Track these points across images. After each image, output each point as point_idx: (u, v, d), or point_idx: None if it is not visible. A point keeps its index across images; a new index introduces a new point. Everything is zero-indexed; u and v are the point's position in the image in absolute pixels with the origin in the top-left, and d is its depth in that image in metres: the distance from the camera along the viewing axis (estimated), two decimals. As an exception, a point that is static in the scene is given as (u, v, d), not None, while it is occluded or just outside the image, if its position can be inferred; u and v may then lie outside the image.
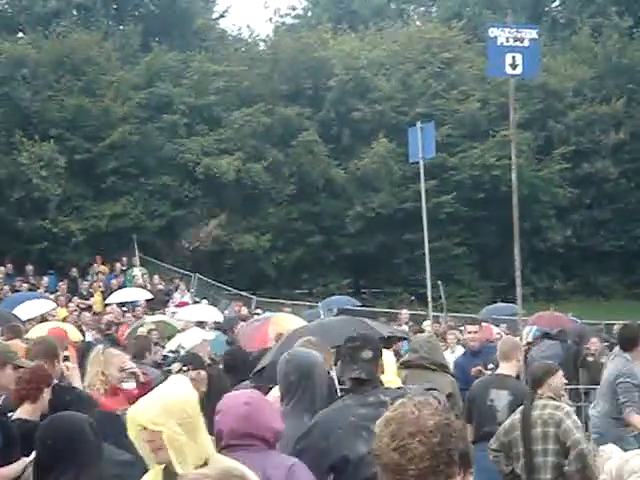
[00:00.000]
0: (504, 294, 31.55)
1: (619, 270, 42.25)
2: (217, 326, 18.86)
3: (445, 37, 42.90)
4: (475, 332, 12.03)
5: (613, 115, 42.90)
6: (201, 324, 17.57)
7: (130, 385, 7.34)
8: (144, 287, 26.99)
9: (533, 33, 12.78)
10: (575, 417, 7.54)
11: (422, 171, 16.78)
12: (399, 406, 3.20)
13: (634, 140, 43.20)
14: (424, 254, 16.70)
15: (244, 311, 25.26)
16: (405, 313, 22.09)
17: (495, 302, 29.48)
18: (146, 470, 4.40)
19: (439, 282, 18.11)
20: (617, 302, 39.20)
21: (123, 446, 4.90)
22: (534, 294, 36.03)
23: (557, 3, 55.83)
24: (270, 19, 49.62)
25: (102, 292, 26.67)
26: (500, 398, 8.08)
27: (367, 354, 5.07)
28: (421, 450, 3.05)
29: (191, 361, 7.64)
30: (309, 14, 54.72)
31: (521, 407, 7.33)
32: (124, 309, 22.44)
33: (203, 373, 7.50)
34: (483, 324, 14.62)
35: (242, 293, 32.23)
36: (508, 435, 7.13)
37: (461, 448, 3.18)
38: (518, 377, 9.02)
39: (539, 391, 7.59)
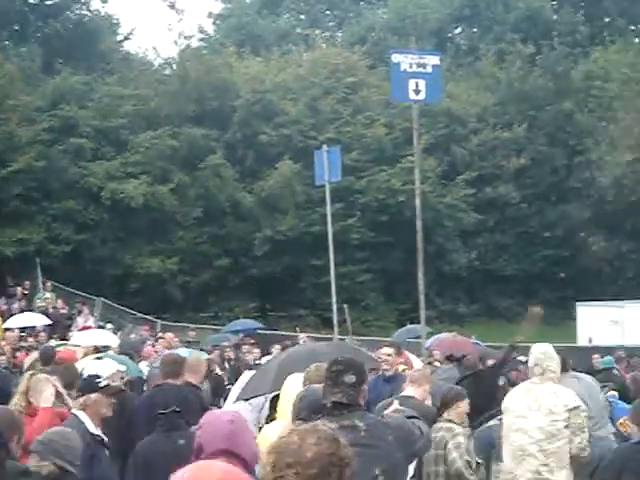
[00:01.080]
0: (409, 317, 31.83)
1: (521, 293, 42.90)
2: (122, 351, 18.58)
3: (349, 62, 43.29)
4: (389, 355, 10.82)
5: (515, 140, 43.74)
6: (106, 348, 17.28)
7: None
8: (47, 311, 26.53)
9: (435, 59, 12.98)
10: (461, 439, 7.71)
11: (328, 194, 16.87)
12: (286, 435, 3.12)
13: (535, 165, 44.09)
14: (330, 278, 16.77)
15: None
16: (303, 337, 22.07)
17: (404, 325, 29.68)
18: None
19: (344, 305, 18.17)
20: (519, 325, 39.71)
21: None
22: (439, 317, 36.42)
23: (460, 30, 56.80)
24: (175, 42, 49.27)
25: (1, 316, 26.12)
26: None
27: (350, 378, 5.02)
28: None
29: (87, 387, 7.58)
30: (214, 37, 54.72)
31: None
32: (23, 334, 22.01)
33: (99, 396, 7.41)
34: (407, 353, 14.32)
35: (147, 317, 31.91)
36: None
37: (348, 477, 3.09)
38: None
39: (444, 414, 7.69)
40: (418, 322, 15.41)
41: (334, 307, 16.47)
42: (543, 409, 7.98)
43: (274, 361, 9.36)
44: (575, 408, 7.97)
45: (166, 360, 9.13)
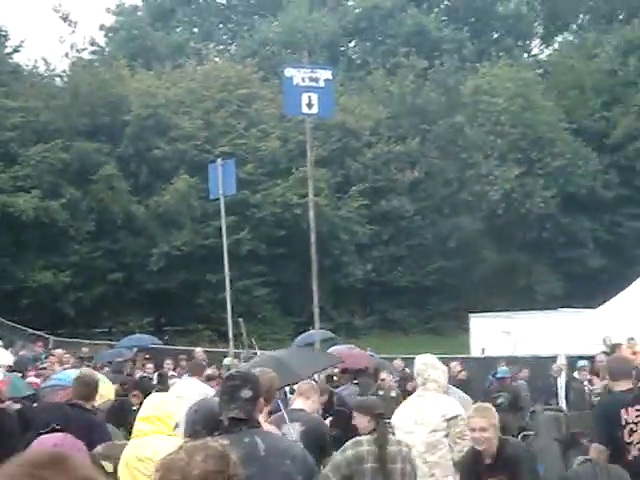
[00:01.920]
0: (305, 330, 31.86)
1: (415, 305, 43.41)
2: (11, 368, 18.21)
3: (242, 75, 43.27)
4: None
5: (408, 154, 44.27)
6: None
7: None
8: None
9: (327, 74, 13.07)
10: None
11: (223, 208, 16.81)
12: (175, 451, 3.07)
13: (429, 178, 44.70)
14: (225, 292, 16.73)
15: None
16: (199, 351, 21.93)
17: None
18: None
19: (240, 319, 18.11)
20: (414, 336, 40.24)
21: None
22: (334, 330, 36.49)
23: (353, 44, 57.30)
24: (67, 54, 48.41)
25: None
26: (293, 430, 8.14)
27: (246, 393, 4.96)
28: None
29: None
30: (106, 50, 54.09)
31: (362, 438, 7.22)
32: None
33: None
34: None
35: (39, 333, 31.32)
36: (351, 467, 6.96)
37: None
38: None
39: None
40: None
41: (229, 321, 16.42)
42: (426, 422, 8.06)
43: None
44: (454, 417, 8.08)
45: (80, 380, 8.91)
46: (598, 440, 8.02)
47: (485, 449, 6.84)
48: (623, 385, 7.97)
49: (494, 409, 7.26)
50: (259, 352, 15.93)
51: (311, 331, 22.84)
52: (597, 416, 8.20)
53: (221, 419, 4.97)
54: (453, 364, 19.79)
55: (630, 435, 7.67)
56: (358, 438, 6.98)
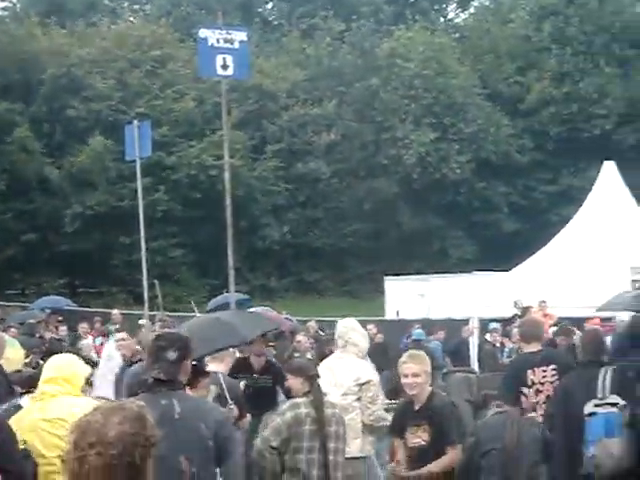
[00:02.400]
0: (220, 292, 31.79)
1: (331, 268, 43.62)
2: None
3: (156, 35, 42.69)
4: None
5: (325, 116, 44.26)
6: None
7: None
8: None
9: (243, 35, 12.98)
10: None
11: (139, 169, 16.64)
12: (91, 412, 3.01)
13: (345, 141, 44.81)
14: (141, 254, 16.59)
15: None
16: (116, 313, 21.79)
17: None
18: None
19: (155, 281, 18.00)
20: (330, 299, 40.48)
21: None
22: (250, 292, 36.51)
23: (270, 6, 56.91)
24: (-23, 11, 47.30)
25: None
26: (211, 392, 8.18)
27: (172, 355, 4.95)
28: (98, 462, 2.88)
29: None
30: (17, 6, 52.84)
31: (299, 400, 7.15)
32: None
33: None
34: None
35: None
36: (290, 429, 6.89)
37: None
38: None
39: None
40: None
41: (145, 283, 16.30)
42: (339, 385, 8.15)
43: None
44: (366, 382, 8.19)
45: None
46: (505, 400, 8.27)
47: (416, 395, 7.02)
48: (533, 347, 8.18)
49: (427, 356, 7.51)
50: (197, 314, 15.87)
51: (225, 294, 22.84)
52: (505, 376, 8.43)
53: (145, 378, 4.96)
54: (369, 327, 19.97)
55: (536, 395, 7.88)
56: (295, 400, 6.95)
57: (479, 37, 51.72)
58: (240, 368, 10.36)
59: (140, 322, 17.30)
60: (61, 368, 5.79)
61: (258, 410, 9.50)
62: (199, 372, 6.63)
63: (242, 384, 9.38)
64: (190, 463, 4.75)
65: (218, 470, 4.91)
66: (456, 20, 61.77)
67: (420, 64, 45.62)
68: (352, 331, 8.56)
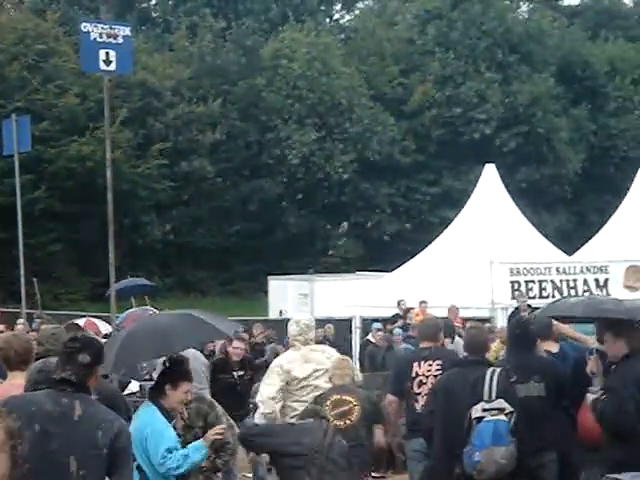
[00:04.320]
0: (102, 291, 31.37)
1: (215, 267, 43.41)
2: None
3: (40, 29, 41.75)
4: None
5: (210, 115, 44.01)
6: None
7: None
8: None
9: (126, 30, 12.82)
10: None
11: (17, 165, 16.32)
12: None
13: (230, 140, 44.63)
14: (18, 250, 16.25)
15: None
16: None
17: (96, 298, 29.21)
18: None
19: (34, 279, 17.67)
20: (213, 298, 40.28)
21: None
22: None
23: (153, 1, 56.29)
24: None
25: None
26: None
27: (85, 358, 4.90)
28: None
29: None
30: None
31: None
32: None
33: None
34: None
35: None
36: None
37: None
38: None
39: None
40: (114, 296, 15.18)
41: (22, 280, 15.97)
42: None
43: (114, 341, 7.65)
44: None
45: None
46: (391, 390, 8.59)
47: None
48: (425, 344, 8.52)
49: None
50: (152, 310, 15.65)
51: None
52: (393, 368, 8.73)
53: (54, 377, 4.90)
54: (254, 327, 19.95)
55: (419, 386, 8.20)
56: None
57: (364, 38, 52.15)
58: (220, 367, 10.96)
59: (18, 322, 16.93)
60: None
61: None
62: (182, 375, 6.63)
63: None
64: (79, 466, 4.72)
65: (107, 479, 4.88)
66: (341, 21, 62.20)
67: (305, 64, 45.76)
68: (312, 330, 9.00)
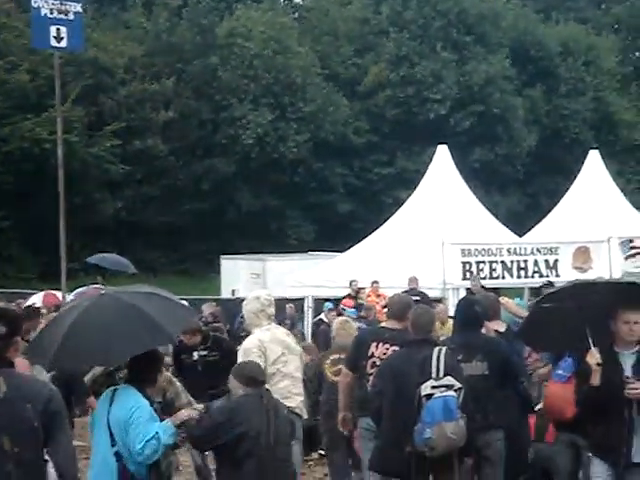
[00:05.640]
0: (53, 270, 31.12)
1: (167, 246, 43.21)
2: None
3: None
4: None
5: (163, 93, 43.74)
6: None
7: None
8: None
9: (78, 7, 12.68)
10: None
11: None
12: None
13: (183, 119, 44.41)
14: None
15: None
16: None
17: (47, 277, 29.00)
18: None
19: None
20: (165, 277, 40.06)
21: None
22: (84, 269, 35.84)
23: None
24: None
25: None
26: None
27: (0, 329, 4.75)
28: None
29: None
30: None
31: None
32: None
33: None
34: None
35: None
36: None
37: None
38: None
39: None
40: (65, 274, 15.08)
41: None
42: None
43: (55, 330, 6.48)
44: None
45: None
46: (346, 364, 8.63)
47: None
48: (390, 324, 8.43)
49: None
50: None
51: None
52: (352, 343, 8.69)
53: None
54: (204, 307, 19.93)
55: (372, 367, 8.10)
56: None
57: (318, 18, 52.04)
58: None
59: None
60: None
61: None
62: (155, 368, 6.43)
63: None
64: (13, 443, 4.61)
65: (46, 450, 4.77)
66: (296, 0, 61.94)
67: (260, 44, 45.59)
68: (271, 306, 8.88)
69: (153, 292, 6.61)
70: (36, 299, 20.16)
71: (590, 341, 6.41)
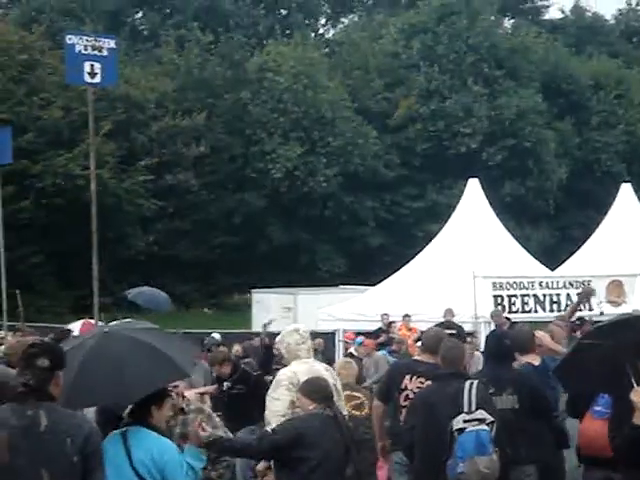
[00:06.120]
0: (85, 304, 31.24)
1: (199, 280, 43.31)
2: None
3: (24, 41, 41.68)
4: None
5: (194, 128, 43.99)
6: None
7: None
8: None
9: (112, 43, 12.81)
10: None
11: (-1, 177, 16.28)
12: None
13: (214, 153, 44.64)
14: (0, 263, 16.18)
15: None
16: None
17: (79, 311, 29.05)
18: None
19: (17, 291, 17.60)
20: (196, 311, 40.20)
21: None
22: (116, 304, 35.98)
23: (140, 15, 56.39)
24: None
25: None
26: None
27: (43, 362, 4.84)
28: None
29: None
30: None
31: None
32: None
33: None
34: None
35: None
36: None
37: None
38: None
39: None
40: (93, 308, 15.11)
41: (4, 293, 15.91)
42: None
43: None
44: None
45: None
46: (378, 395, 8.61)
47: None
48: (424, 357, 8.33)
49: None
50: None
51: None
52: (385, 374, 8.66)
53: (14, 385, 4.85)
54: (236, 347, 19.93)
55: (405, 400, 8.04)
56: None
57: (349, 52, 52.29)
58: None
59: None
60: None
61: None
62: (165, 392, 6.24)
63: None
64: (52, 478, 4.66)
65: None
66: (327, 35, 62.39)
67: (290, 78, 45.85)
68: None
69: (153, 327, 6.57)
70: (74, 327, 20.19)
71: (633, 379, 6.28)
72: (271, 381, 8.67)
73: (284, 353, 8.58)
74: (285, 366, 8.60)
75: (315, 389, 6.91)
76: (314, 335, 21.81)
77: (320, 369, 8.35)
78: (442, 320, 18.94)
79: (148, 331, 6.41)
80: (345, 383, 8.99)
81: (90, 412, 7.60)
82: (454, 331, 12.15)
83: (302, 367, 8.22)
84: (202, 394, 8.23)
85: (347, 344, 19.93)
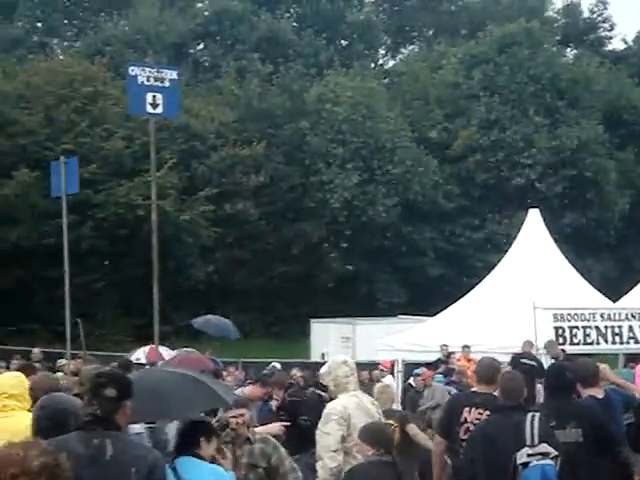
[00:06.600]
0: (145, 332, 31.47)
1: (257, 309, 43.41)
2: None
3: (88, 72, 42.37)
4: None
5: (254, 158, 44.28)
6: None
7: None
8: None
9: (173, 74, 12.96)
10: None
11: (65, 206, 16.43)
12: (6, 447, 3.11)
13: (273, 183, 44.86)
14: (64, 292, 16.32)
15: None
16: (37, 351, 21.54)
17: (141, 339, 29.29)
18: None
19: (78, 320, 17.74)
20: (255, 340, 40.23)
21: None
22: (175, 332, 36.22)
23: (201, 47, 57.03)
24: None
25: None
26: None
27: (111, 392, 4.89)
28: None
29: None
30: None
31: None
32: None
33: None
34: None
35: None
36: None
37: None
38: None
39: None
40: (153, 336, 15.23)
41: (67, 321, 16.04)
42: None
43: None
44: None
45: None
46: (439, 431, 8.42)
47: None
48: (480, 388, 8.22)
49: None
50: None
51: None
52: (444, 409, 8.49)
53: (79, 414, 4.88)
54: (293, 370, 19.91)
55: (465, 433, 7.91)
56: None
57: (409, 83, 52.36)
58: None
59: (59, 361, 17.03)
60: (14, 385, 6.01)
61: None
62: (214, 430, 6.36)
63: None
64: None
65: None
66: (386, 66, 62.53)
67: (349, 108, 45.99)
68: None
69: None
70: (140, 354, 20.47)
71: None
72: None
73: (331, 385, 8.45)
74: (332, 399, 8.50)
75: (374, 435, 6.92)
76: (372, 366, 21.85)
77: (367, 403, 8.31)
78: (519, 351, 18.74)
79: (194, 371, 6.82)
80: (384, 411, 8.88)
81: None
82: (534, 363, 11.86)
83: (351, 401, 8.12)
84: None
85: (383, 372, 20.02)
